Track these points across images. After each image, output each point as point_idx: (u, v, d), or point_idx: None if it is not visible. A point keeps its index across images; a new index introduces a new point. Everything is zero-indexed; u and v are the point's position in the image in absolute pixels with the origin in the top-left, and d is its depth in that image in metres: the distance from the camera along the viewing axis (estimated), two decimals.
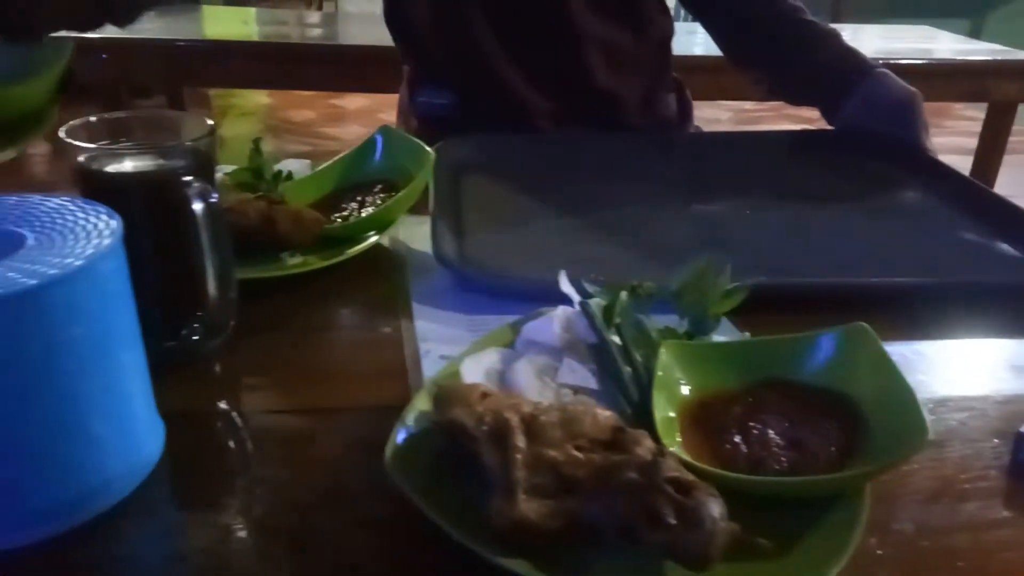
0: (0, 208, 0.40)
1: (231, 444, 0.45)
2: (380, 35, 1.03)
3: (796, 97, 0.95)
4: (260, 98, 2.49)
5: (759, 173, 0.82)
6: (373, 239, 0.64)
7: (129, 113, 0.49)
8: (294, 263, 0.62)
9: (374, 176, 0.72)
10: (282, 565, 0.37)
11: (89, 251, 0.36)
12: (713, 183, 0.80)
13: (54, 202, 0.41)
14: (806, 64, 0.90)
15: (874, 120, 0.85)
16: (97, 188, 0.45)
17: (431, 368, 0.50)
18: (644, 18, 0.94)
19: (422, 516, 0.36)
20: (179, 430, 0.44)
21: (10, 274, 0.34)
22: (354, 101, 2.66)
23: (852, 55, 0.89)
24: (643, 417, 0.42)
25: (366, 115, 2.60)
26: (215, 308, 0.46)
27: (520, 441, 0.36)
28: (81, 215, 0.40)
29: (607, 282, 0.49)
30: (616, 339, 0.46)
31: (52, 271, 0.34)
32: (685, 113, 1.02)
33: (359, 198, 0.70)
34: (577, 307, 0.49)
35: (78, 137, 0.46)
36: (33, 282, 0.33)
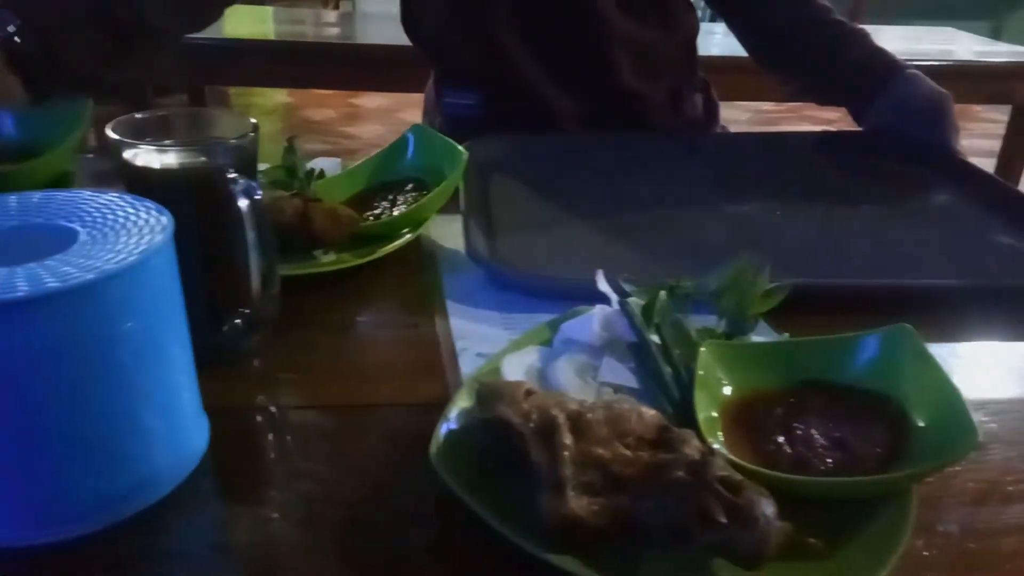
0: (52, 204, 0.41)
1: (273, 439, 0.46)
2: (398, 35, 1.04)
3: (825, 97, 0.95)
4: (279, 97, 2.50)
5: (788, 173, 0.82)
6: (407, 237, 0.64)
7: (172, 110, 0.49)
8: (328, 260, 0.62)
9: (405, 175, 0.72)
10: (328, 558, 0.37)
11: (142, 246, 0.36)
12: (742, 184, 0.79)
13: (104, 198, 0.41)
14: (835, 64, 0.90)
15: (904, 121, 0.84)
16: (143, 184, 0.46)
17: (468, 365, 0.51)
18: (672, 16, 0.94)
19: (467, 512, 0.37)
20: (221, 425, 0.44)
21: (65, 268, 0.35)
22: (372, 100, 2.67)
23: (882, 55, 0.88)
24: (684, 416, 0.42)
25: (385, 114, 2.61)
26: (258, 304, 0.46)
27: (567, 438, 0.36)
28: (131, 211, 0.40)
29: (644, 281, 0.50)
30: (655, 338, 0.46)
31: (108, 266, 0.35)
32: (711, 113, 1.02)
33: (390, 196, 0.70)
34: (615, 306, 0.49)
35: (123, 134, 0.47)
36: (90, 276, 0.34)
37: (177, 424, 0.40)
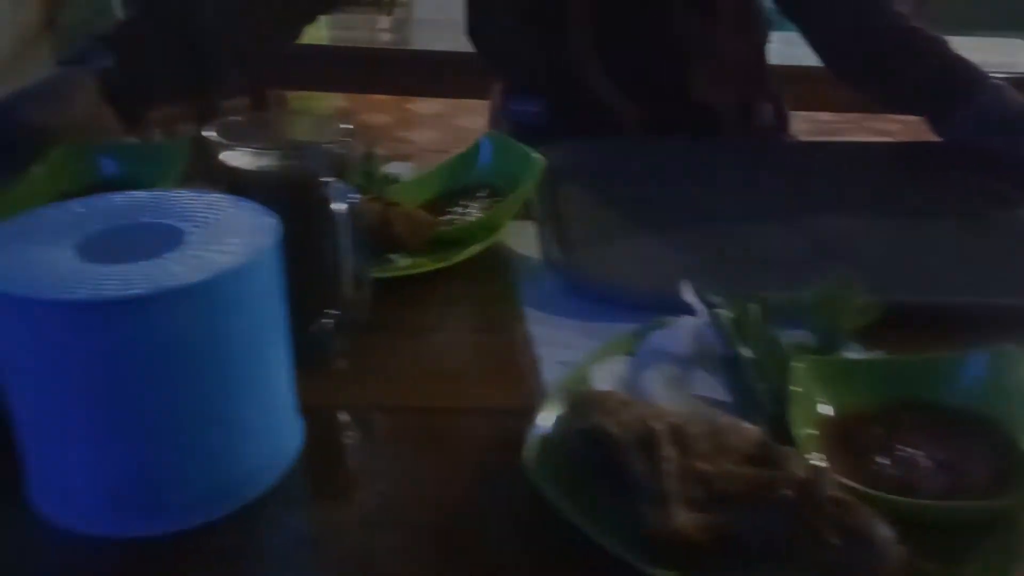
0: (158, 203, 0.42)
1: (361, 440, 0.46)
2: (452, 41, 1.04)
3: (902, 106, 0.93)
4: (335, 101, 2.54)
5: (866, 184, 0.80)
6: (485, 243, 0.64)
7: (266, 113, 0.50)
8: (406, 264, 0.63)
9: (479, 181, 0.72)
10: (420, 562, 0.38)
11: (252, 247, 0.37)
12: (818, 194, 0.78)
13: (206, 198, 0.42)
14: (914, 72, 0.87)
15: (987, 134, 0.82)
16: (240, 185, 0.47)
17: (550, 373, 0.50)
18: (746, 22, 0.93)
19: (561, 520, 0.36)
20: (309, 424, 0.44)
21: (179, 267, 0.36)
22: (427, 105, 2.69)
23: (963, 64, 0.86)
24: (779, 433, 0.41)
25: (439, 119, 2.63)
26: (350, 306, 0.47)
27: (669, 451, 0.35)
28: (233, 211, 0.41)
29: (731, 293, 0.49)
30: (747, 352, 0.45)
31: (222, 265, 0.35)
32: (782, 122, 1.01)
33: (463, 202, 0.71)
34: (700, 318, 0.48)
35: (220, 135, 0.48)
36: (205, 275, 0.35)
37: (276, 422, 0.40)
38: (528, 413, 0.43)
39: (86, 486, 0.37)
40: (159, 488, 0.37)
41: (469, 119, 2.42)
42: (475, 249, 0.64)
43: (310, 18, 0.85)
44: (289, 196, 0.47)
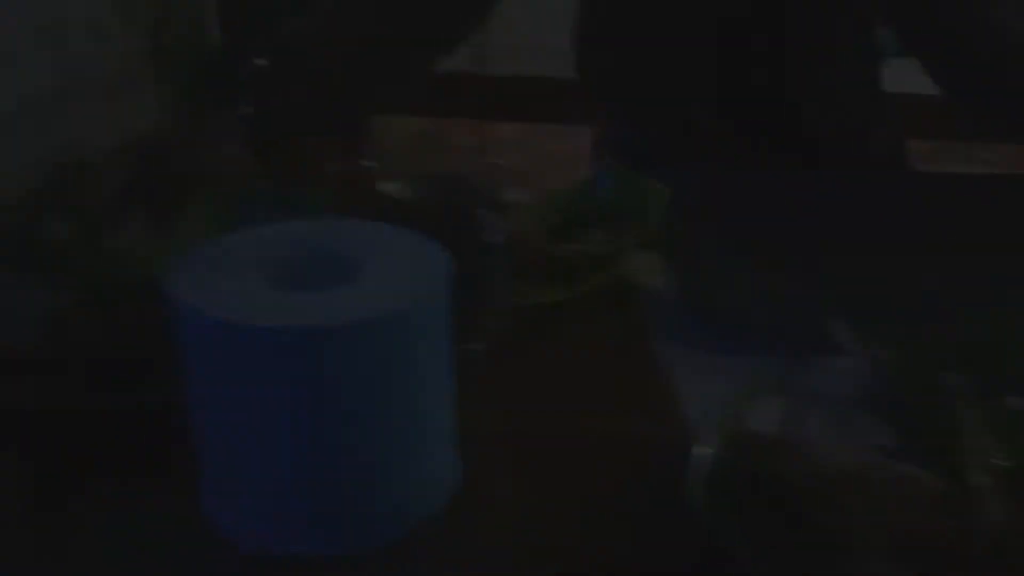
0: (331, 231, 0.43)
1: (509, 469, 0.46)
2: (530, 66, 1.04)
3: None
4: (419, 124, 2.59)
5: (1002, 220, 0.77)
6: (611, 271, 0.64)
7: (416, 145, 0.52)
8: (531, 293, 0.63)
9: (599, 210, 0.72)
10: None
11: (431, 278, 0.38)
12: (950, 230, 0.75)
13: (377, 228, 0.43)
14: None
15: None
16: (396, 215, 0.48)
17: (694, 408, 0.50)
18: (864, 51, 0.91)
19: (722, 559, 0.36)
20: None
21: (364, 298, 0.37)
22: (509, 129, 2.73)
23: None
24: (952, 483, 0.39)
25: (522, 142, 2.66)
26: (493, 334, 0.48)
27: (858, 501, 0.34)
28: (404, 241, 0.42)
29: (889, 335, 0.48)
30: (912, 397, 0.44)
31: (408, 297, 0.36)
32: (899, 152, 0.98)
33: (583, 232, 0.71)
34: (855, 357, 0.47)
35: (377, 166, 0.49)
36: (395, 307, 0.35)
37: (444, 450, 0.41)
38: (676, 449, 0.43)
39: (262, 505, 0.38)
40: (332, 512, 0.38)
41: (553, 142, 2.43)
42: (600, 279, 0.64)
43: (431, 64, 0.87)
44: (443, 226, 0.48)
